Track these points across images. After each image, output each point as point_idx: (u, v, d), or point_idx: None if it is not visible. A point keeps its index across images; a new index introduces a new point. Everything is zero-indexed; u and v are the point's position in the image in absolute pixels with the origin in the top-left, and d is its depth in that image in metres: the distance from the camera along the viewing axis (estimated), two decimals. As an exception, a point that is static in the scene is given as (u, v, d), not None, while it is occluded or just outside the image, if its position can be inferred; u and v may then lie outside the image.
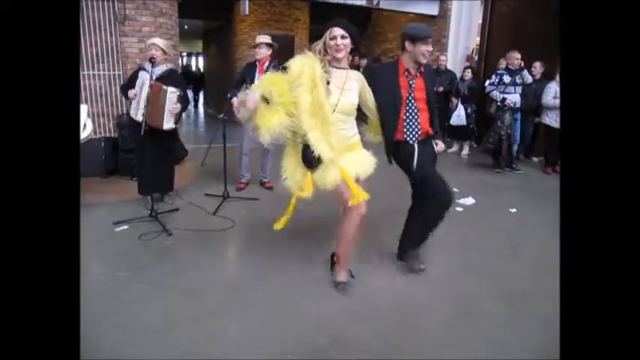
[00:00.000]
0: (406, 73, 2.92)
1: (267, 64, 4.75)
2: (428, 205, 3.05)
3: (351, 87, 2.66)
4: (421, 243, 3.23)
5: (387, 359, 2.31)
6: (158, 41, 4.09)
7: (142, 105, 3.84)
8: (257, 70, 4.77)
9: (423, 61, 2.87)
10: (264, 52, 4.75)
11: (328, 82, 2.55)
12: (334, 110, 2.57)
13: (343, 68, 2.65)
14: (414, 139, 2.98)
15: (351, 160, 2.67)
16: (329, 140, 2.48)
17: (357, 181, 2.67)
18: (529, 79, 6.13)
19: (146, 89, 3.86)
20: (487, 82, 6.52)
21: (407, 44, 2.87)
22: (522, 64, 6.07)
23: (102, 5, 5.23)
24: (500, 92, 6.12)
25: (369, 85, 2.83)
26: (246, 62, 5.29)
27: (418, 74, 2.96)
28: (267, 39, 4.79)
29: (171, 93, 3.86)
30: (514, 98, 6.09)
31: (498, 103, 6.16)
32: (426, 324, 2.61)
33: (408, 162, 3.01)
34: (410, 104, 2.94)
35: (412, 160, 2.98)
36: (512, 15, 8.10)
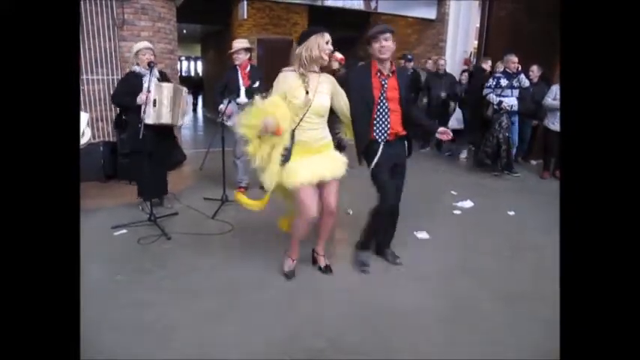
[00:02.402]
0: (378, 74, 2.97)
1: (248, 68, 4.76)
2: (375, 209, 3.16)
3: (322, 90, 2.81)
4: (364, 244, 3.34)
5: (386, 362, 2.31)
6: (150, 45, 4.15)
7: (168, 107, 3.92)
8: (239, 75, 4.75)
9: (381, 57, 2.91)
10: (242, 58, 4.74)
11: (307, 92, 2.74)
12: (307, 111, 2.75)
13: (316, 72, 2.81)
14: (382, 137, 3.02)
15: (318, 162, 2.82)
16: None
17: (324, 182, 2.87)
18: (526, 82, 6.15)
19: (167, 92, 3.91)
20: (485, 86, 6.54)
21: (368, 47, 2.98)
22: (519, 68, 6.09)
23: (100, 10, 5.25)
24: (497, 95, 6.14)
25: (346, 86, 2.94)
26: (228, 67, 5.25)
27: (390, 74, 3.00)
28: (244, 44, 4.78)
29: (185, 93, 4.19)
30: (511, 101, 6.10)
31: (495, 107, 6.17)
32: (425, 325, 2.61)
33: (369, 160, 3.06)
34: (382, 104, 2.98)
35: (373, 159, 3.03)
36: (509, 18, 8.14)
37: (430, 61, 8.02)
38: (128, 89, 4.02)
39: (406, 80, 3.16)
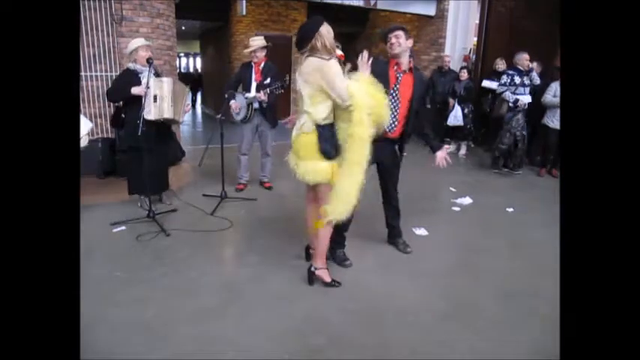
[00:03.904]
0: (395, 67, 3.12)
1: (262, 64, 4.74)
2: None
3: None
4: (334, 242, 3.27)
5: (384, 359, 2.32)
6: (147, 42, 4.14)
7: (169, 102, 3.93)
8: (253, 71, 4.75)
9: (392, 52, 3.09)
10: (259, 56, 4.73)
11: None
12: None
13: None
14: (389, 129, 3.12)
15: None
16: None
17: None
18: (537, 79, 6.11)
19: (167, 87, 3.91)
20: (497, 84, 6.49)
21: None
22: (530, 65, 6.07)
23: (99, 6, 5.21)
24: (512, 93, 6.08)
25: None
26: (242, 62, 5.24)
27: (407, 70, 3.14)
28: (262, 42, 4.74)
29: (186, 92, 4.28)
30: (526, 99, 6.06)
31: (510, 104, 6.10)
32: (424, 323, 2.62)
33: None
34: (394, 94, 3.10)
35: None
36: (509, 15, 8.11)
37: (447, 59, 7.98)
38: (124, 86, 3.98)
39: (421, 81, 3.25)
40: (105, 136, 5.51)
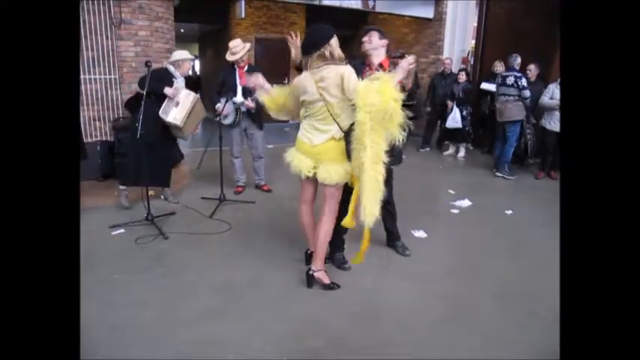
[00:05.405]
0: (367, 68, 3.08)
1: (246, 67, 4.70)
2: None
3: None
4: (332, 244, 3.21)
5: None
6: (192, 56, 4.49)
7: (187, 109, 4.14)
8: (237, 75, 4.70)
9: (363, 51, 3.09)
10: (245, 59, 4.70)
11: None
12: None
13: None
14: None
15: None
16: None
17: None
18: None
19: (192, 98, 4.17)
20: (494, 86, 6.50)
21: None
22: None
23: (98, 9, 5.22)
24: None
25: None
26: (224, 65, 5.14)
27: (379, 68, 3.02)
28: (244, 46, 4.67)
29: (203, 116, 4.56)
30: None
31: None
32: (423, 324, 2.62)
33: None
34: None
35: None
36: (507, 17, 8.13)
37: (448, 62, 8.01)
38: (161, 80, 4.08)
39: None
40: (103, 139, 5.50)
